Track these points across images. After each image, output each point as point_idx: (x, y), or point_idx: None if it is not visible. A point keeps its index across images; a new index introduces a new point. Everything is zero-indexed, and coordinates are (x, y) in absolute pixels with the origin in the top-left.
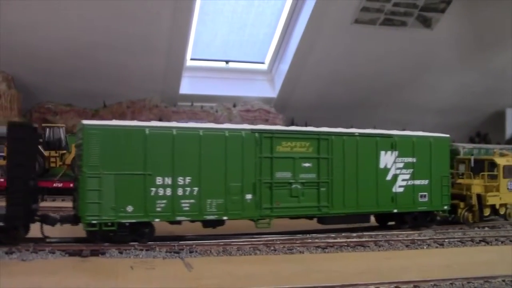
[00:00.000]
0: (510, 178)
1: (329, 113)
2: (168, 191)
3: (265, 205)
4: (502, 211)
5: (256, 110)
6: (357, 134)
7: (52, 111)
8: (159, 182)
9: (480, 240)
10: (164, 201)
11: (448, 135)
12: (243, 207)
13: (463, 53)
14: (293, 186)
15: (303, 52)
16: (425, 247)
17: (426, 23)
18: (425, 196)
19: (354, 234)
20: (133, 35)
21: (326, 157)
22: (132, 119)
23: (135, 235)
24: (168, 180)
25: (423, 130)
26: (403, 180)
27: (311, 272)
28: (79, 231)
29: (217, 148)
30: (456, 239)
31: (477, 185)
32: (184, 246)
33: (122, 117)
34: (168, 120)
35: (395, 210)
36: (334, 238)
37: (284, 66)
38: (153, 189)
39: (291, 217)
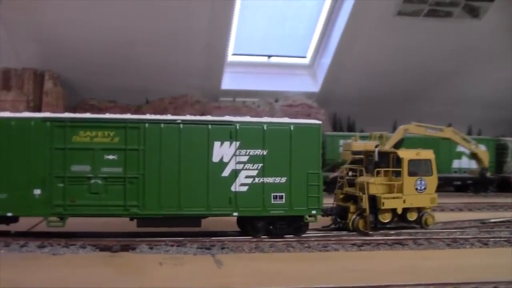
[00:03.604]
0: (419, 176)
1: (373, 107)
2: None
3: (57, 201)
4: (411, 217)
5: (298, 105)
6: (179, 121)
7: (96, 108)
8: None
9: None
10: None
11: (319, 122)
12: (31, 203)
13: None
14: (92, 181)
15: (345, 46)
16: (467, 247)
17: (474, 13)
18: (281, 197)
19: (392, 232)
20: (174, 32)
21: (135, 148)
22: (175, 114)
23: None
24: None
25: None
26: (248, 177)
27: (344, 271)
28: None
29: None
30: (502, 239)
31: (372, 184)
32: (215, 242)
33: (164, 112)
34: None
35: (236, 214)
36: (371, 235)
37: (326, 60)
38: None
39: (92, 216)
